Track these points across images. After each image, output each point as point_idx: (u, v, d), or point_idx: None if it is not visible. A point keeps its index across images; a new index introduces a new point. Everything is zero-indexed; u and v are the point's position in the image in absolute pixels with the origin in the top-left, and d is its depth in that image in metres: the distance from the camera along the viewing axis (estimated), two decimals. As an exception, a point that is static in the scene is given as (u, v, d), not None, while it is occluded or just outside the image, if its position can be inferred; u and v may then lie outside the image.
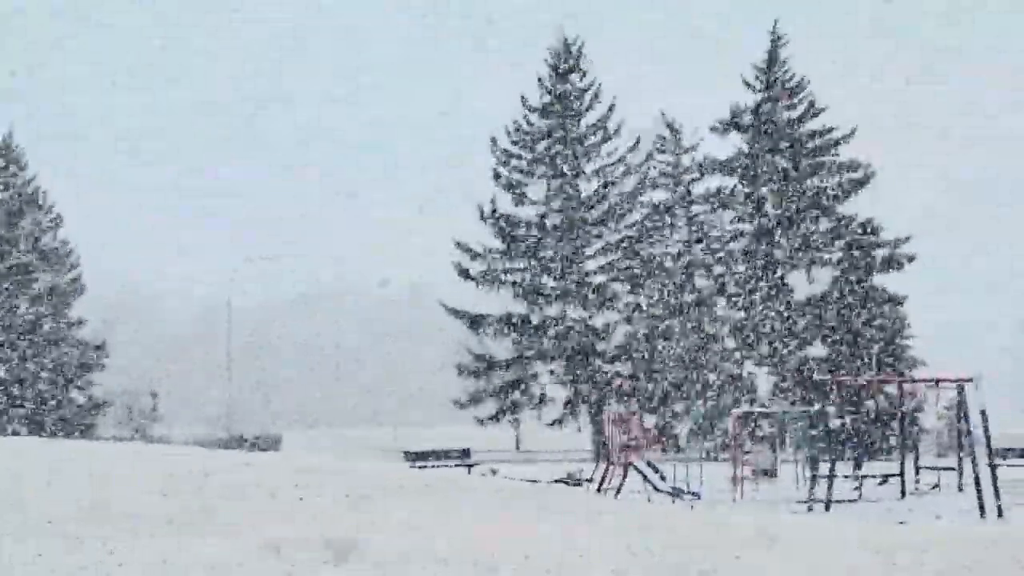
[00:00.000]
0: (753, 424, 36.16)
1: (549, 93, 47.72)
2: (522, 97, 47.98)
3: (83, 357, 51.05)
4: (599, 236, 47.36)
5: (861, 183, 45.84)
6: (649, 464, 23.81)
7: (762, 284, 45.62)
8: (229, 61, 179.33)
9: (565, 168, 47.01)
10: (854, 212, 45.77)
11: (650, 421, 40.27)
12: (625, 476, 23.46)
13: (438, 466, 29.43)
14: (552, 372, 46.45)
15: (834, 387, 25.76)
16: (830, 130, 46.45)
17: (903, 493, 23.58)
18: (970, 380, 21.13)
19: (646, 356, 46.23)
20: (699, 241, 47.34)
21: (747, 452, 27.49)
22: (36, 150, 53.66)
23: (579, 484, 25.83)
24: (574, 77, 47.88)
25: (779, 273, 45.61)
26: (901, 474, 24.23)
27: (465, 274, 47.03)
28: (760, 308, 45.26)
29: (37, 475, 13.31)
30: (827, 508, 21.00)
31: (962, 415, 21.72)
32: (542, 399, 46.63)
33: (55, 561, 8.71)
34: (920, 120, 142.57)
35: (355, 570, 8.80)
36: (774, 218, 46.02)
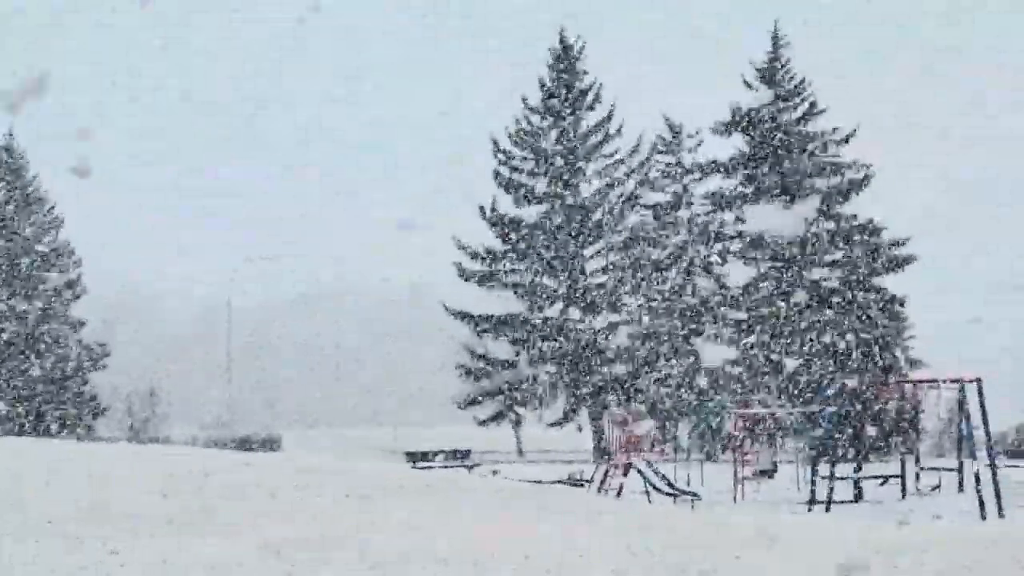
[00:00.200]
0: (753, 425, 36.13)
1: (549, 94, 47.70)
2: (523, 98, 47.99)
3: (83, 357, 51.03)
4: (600, 237, 47.33)
5: (861, 184, 45.82)
6: (649, 465, 23.81)
7: (763, 285, 45.60)
8: (229, 61, 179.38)
9: (565, 168, 46.99)
10: (855, 212, 45.74)
11: (650, 422, 40.23)
12: (625, 477, 23.47)
13: (441, 466, 29.42)
14: (553, 373, 46.43)
15: (837, 387, 25.76)
16: (831, 131, 46.41)
17: (903, 494, 23.57)
18: (971, 380, 21.12)
19: (646, 357, 46.20)
20: (700, 242, 47.29)
21: (747, 453, 27.48)
22: (36, 150, 53.68)
23: (580, 484, 25.83)
24: (574, 78, 47.86)
25: (779, 273, 45.57)
26: (902, 475, 24.22)
27: (465, 274, 47.01)
28: (760, 309, 45.23)
29: (37, 475, 13.31)
30: (827, 508, 21.01)
31: (962, 415, 21.73)
32: (542, 400, 46.62)
33: (55, 561, 8.71)
34: (920, 120, 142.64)
35: (355, 570, 8.80)
36: (774, 218, 45.97)
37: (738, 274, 46.28)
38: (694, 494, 22.65)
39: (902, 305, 45.28)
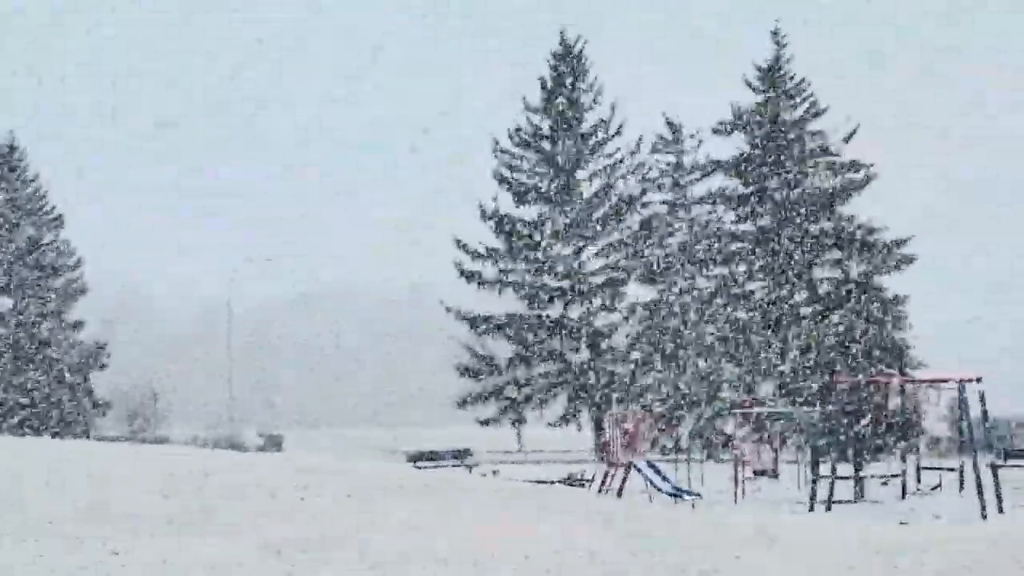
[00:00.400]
0: (754, 424, 36.12)
1: (550, 93, 47.67)
2: (523, 98, 47.94)
3: (84, 357, 51.03)
4: (600, 236, 47.31)
5: (862, 184, 45.81)
6: (650, 464, 23.80)
7: (763, 284, 45.59)
8: (229, 61, 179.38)
9: (566, 168, 46.97)
10: (855, 213, 45.74)
11: (650, 422, 40.22)
12: (626, 476, 23.46)
13: (441, 466, 29.39)
14: (553, 372, 46.41)
15: (839, 387, 25.76)
16: (831, 131, 46.38)
17: (904, 493, 23.56)
18: (971, 380, 21.11)
19: (647, 356, 46.19)
20: (700, 242, 47.26)
21: (748, 452, 27.46)
22: (37, 150, 53.66)
23: (580, 484, 25.81)
24: (575, 77, 47.83)
25: (780, 273, 45.56)
26: (902, 474, 24.21)
27: (466, 274, 46.98)
28: (761, 308, 45.22)
29: (37, 475, 13.31)
30: (828, 508, 21.00)
31: (963, 415, 21.73)
32: (543, 400, 46.59)
33: (55, 561, 8.71)
34: (920, 120, 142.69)
35: (355, 570, 8.79)
36: (775, 219, 45.98)
37: (738, 274, 46.28)
38: (695, 494, 22.64)
39: (902, 305, 45.28)
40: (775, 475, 27.25)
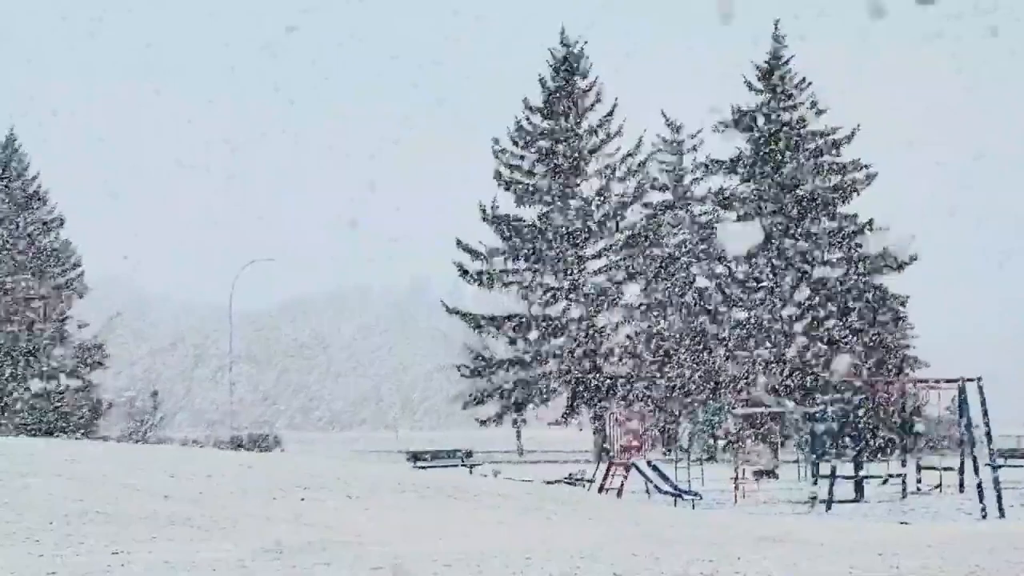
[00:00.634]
0: (755, 424, 36.17)
1: (550, 93, 47.66)
2: (524, 99, 47.91)
3: (84, 358, 51.00)
4: (600, 236, 47.32)
5: (863, 184, 45.82)
6: (651, 465, 23.81)
7: (764, 284, 45.59)
8: (229, 61, 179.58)
9: (566, 168, 46.96)
10: (856, 212, 45.75)
11: (651, 422, 40.25)
12: (627, 477, 23.47)
13: (441, 467, 29.40)
14: (553, 372, 46.41)
15: (841, 387, 25.77)
16: (832, 131, 46.38)
17: (904, 493, 23.57)
18: (971, 380, 21.11)
19: (647, 356, 46.19)
20: (701, 241, 47.26)
21: (748, 452, 27.50)
22: (38, 151, 53.65)
23: (581, 485, 25.83)
24: (575, 77, 47.83)
25: (781, 273, 45.57)
26: (903, 474, 24.22)
27: (466, 274, 46.99)
28: (762, 308, 45.24)
29: (37, 475, 13.32)
30: (828, 508, 21.02)
31: (963, 415, 21.73)
32: (543, 400, 46.60)
33: (55, 561, 8.72)
34: (921, 120, 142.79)
35: (356, 571, 8.81)
36: (776, 218, 45.99)
37: (738, 273, 46.29)
38: (695, 494, 22.65)
39: (903, 304, 45.30)
40: (775, 475, 27.27)
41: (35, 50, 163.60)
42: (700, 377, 45.74)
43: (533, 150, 47.55)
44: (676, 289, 47.11)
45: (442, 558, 9.43)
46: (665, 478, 23.45)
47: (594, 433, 45.76)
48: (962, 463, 23.22)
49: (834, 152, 46.34)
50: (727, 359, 45.91)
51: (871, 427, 27.71)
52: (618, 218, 47.20)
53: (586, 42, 48.27)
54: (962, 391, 21.34)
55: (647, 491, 22.71)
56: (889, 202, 47.90)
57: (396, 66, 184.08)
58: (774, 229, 45.68)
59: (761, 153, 46.10)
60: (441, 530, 12.25)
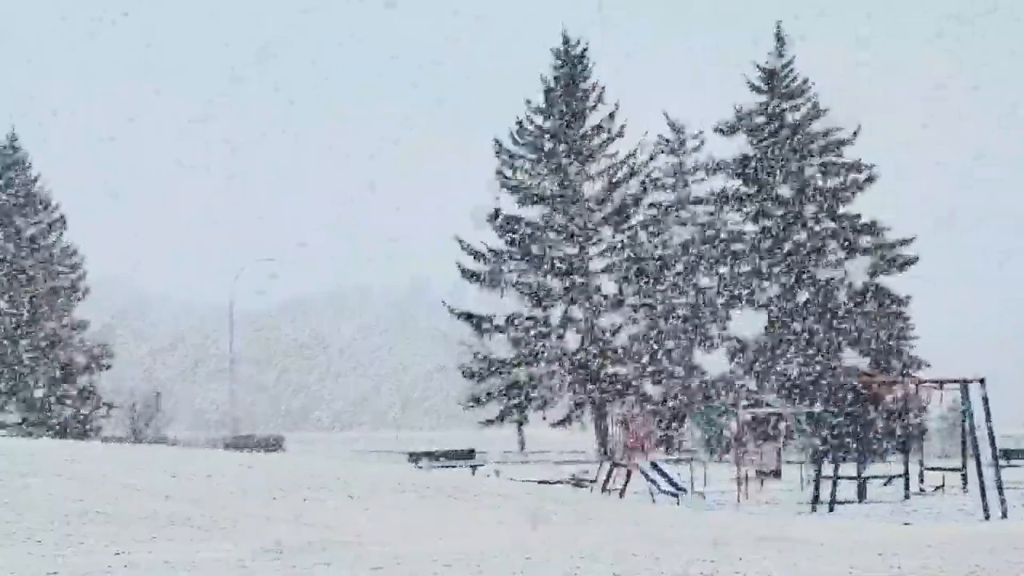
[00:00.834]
0: (757, 425, 36.05)
1: (552, 93, 47.61)
2: (526, 100, 47.88)
3: (86, 358, 50.99)
4: (603, 237, 47.28)
5: (864, 184, 45.79)
6: (653, 465, 23.77)
7: (766, 285, 45.56)
8: (229, 61, 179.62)
9: (569, 169, 46.92)
10: (858, 213, 45.73)
11: (653, 422, 40.22)
12: (629, 477, 23.43)
13: (443, 467, 29.39)
14: (555, 373, 46.36)
15: (843, 387, 25.76)
16: (833, 131, 46.34)
17: (907, 494, 23.52)
18: (974, 380, 21.06)
19: (650, 357, 46.16)
20: (703, 242, 47.23)
21: (751, 453, 27.43)
22: (39, 151, 53.62)
23: (583, 485, 25.80)
24: (577, 77, 47.78)
25: (783, 274, 45.54)
26: (905, 475, 24.17)
27: (467, 274, 46.95)
28: (764, 308, 45.21)
29: (38, 475, 13.30)
30: (831, 508, 20.98)
31: (966, 416, 21.68)
32: (546, 400, 46.55)
33: (56, 561, 8.70)
34: (922, 119, 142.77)
35: (356, 571, 8.78)
36: (778, 219, 45.97)
37: (741, 274, 46.27)
38: (697, 494, 22.62)
39: (905, 305, 45.27)
40: (778, 475, 27.22)
41: (35, 50, 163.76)
42: (702, 377, 45.70)
43: (535, 150, 47.51)
44: (678, 289, 47.08)
45: (442, 558, 9.40)
46: (668, 478, 23.40)
47: (597, 433, 45.72)
48: (964, 463, 23.17)
49: (836, 152, 46.32)
50: (729, 359, 45.89)
51: (873, 428, 27.69)
52: (620, 218, 47.16)
53: (588, 42, 48.28)
54: (965, 391, 21.28)
55: (650, 491, 22.67)
56: (889, 202, 47.87)
57: (396, 66, 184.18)
58: (776, 229, 45.67)
59: (763, 153, 46.07)
60: (441, 530, 12.22)
